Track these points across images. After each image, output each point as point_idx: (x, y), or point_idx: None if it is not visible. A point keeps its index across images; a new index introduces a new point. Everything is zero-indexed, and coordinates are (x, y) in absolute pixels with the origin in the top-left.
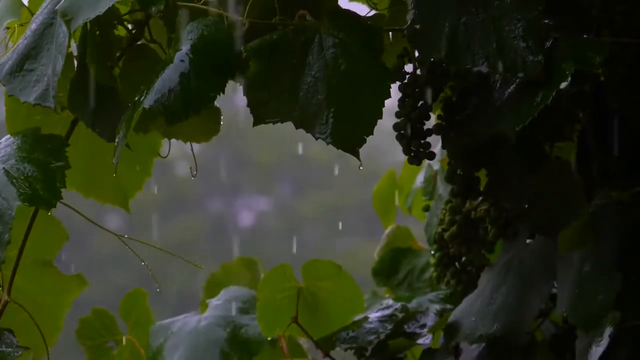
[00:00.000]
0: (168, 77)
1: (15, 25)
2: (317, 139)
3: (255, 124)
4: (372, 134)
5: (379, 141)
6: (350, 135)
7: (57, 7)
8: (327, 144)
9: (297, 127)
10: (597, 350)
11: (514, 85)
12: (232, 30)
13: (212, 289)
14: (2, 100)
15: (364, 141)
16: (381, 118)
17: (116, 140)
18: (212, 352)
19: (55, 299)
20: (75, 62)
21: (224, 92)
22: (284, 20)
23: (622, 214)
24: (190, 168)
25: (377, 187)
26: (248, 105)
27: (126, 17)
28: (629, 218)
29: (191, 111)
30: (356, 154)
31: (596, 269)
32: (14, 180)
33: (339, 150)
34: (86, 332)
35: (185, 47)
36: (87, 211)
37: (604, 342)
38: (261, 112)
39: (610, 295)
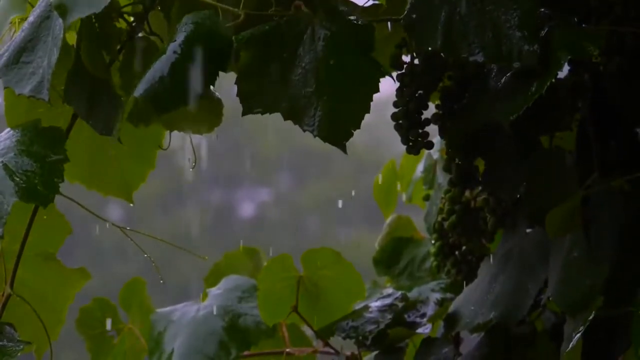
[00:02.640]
0: (159, 67)
1: (17, 20)
2: (304, 131)
3: (244, 113)
4: (359, 127)
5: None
6: (337, 129)
7: (52, 0)
8: (314, 136)
9: (285, 119)
10: (577, 335)
11: (509, 74)
12: (227, 23)
13: (215, 278)
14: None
15: (351, 135)
16: (369, 112)
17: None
18: (210, 342)
19: (58, 292)
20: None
21: (214, 85)
22: (279, 12)
23: (620, 201)
24: (189, 159)
25: (378, 178)
26: (237, 95)
27: (126, 9)
28: (627, 205)
29: (180, 102)
30: (343, 148)
31: (585, 254)
32: (12, 175)
33: None
34: (87, 322)
35: (178, 39)
36: (88, 203)
37: (584, 327)
38: (250, 102)
39: (597, 281)
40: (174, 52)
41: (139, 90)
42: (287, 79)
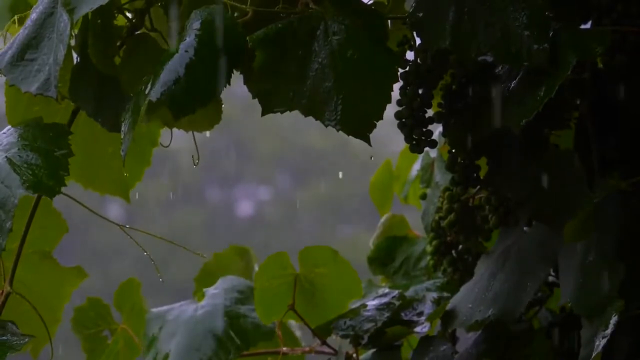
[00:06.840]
0: (174, 68)
1: (16, 17)
2: (326, 125)
3: (264, 113)
4: (381, 118)
5: (377, 131)
6: (359, 121)
7: None
8: (337, 130)
9: (306, 115)
10: (603, 340)
11: (517, 78)
12: (236, 19)
13: (206, 277)
14: (2, 90)
15: (374, 126)
16: (390, 102)
17: (122, 131)
18: (209, 341)
19: (54, 290)
20: (74, 52)
21: (229, 84)
22: (287, 8)
23: (622, 203)
24: (193, 157)
25: (374, 177)
26: (256, 95)
27: (126, 5)
28: (628, 207)
29: (198, 103)
30: (367, 139)
31: (599, 258)
32: (17, 168)
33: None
34: (81, 321)
35: (190, 37)
36: (86, 202)
37: (609, 331)
38: (270, 101)
39: (613, 285)
40: (186, 50)
41: (155, 93)
42: (304, 75)
